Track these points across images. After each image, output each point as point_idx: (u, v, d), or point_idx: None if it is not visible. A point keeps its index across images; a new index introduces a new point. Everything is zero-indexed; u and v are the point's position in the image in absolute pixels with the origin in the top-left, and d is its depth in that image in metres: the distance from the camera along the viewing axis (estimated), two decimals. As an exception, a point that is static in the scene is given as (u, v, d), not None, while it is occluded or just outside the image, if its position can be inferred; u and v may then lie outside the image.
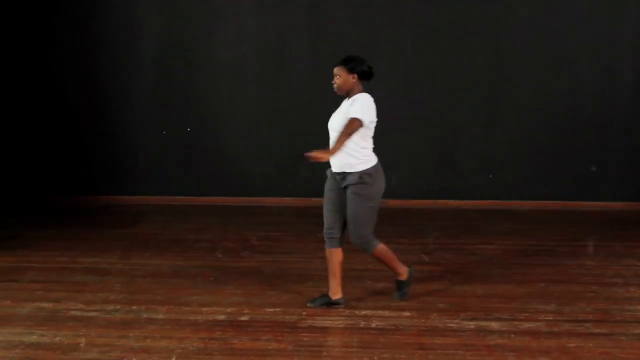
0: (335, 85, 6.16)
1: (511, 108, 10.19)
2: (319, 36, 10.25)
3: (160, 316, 6.07)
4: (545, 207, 10.09)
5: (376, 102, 10.18)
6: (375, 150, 10.19)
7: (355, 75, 6.15)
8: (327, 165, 6.24)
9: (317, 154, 5.78)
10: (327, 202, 6.20)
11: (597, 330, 5.76)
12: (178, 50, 10.39)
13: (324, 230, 6.20)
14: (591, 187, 10.13)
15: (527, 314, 6.08)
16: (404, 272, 6.35)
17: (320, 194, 10.21)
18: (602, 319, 6.01)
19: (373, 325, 5.87)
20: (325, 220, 6.19)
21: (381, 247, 6.22)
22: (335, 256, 6.20)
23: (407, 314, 6.11)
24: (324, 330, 5.77)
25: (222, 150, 10.27)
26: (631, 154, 10.12)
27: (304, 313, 6.11)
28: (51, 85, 10.49)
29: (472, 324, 5.87)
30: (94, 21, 10.38)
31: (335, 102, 10.10)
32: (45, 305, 6.32)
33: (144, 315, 6.08)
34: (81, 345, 5.50)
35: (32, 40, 10.44)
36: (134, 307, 6.28)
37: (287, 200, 10.30)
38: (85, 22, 10.39)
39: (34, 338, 5.61)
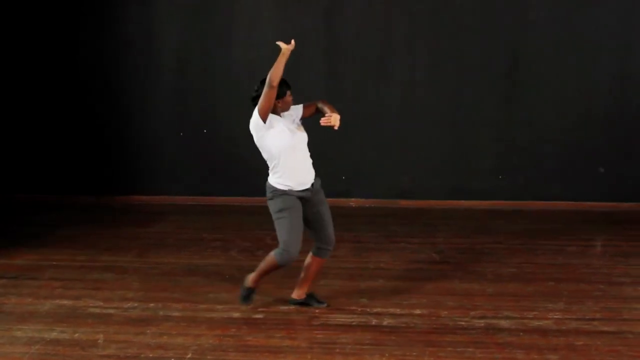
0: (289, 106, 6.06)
1: (523, 110, 10.21)
2: (335, 40, 10.32)
3: (176, 313, 6.18)
4: (554, 207, 10.12)
5: (391, 102, 10.35)
6: (390, 150, 10.36)
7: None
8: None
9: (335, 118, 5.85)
10: (297, 221, 5.98)
11: (605, 329, 5.83)
12: (196, 54, 10.47)
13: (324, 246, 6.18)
14: (599, 188, 10.15)
15: (536, 312, 6.16)
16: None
17: (335, 194, 10.43)
18: (609, 317, 6.08)
19: (385, 323, 5.97)
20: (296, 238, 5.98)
21: None
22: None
23: (418, 312, 6.20)
24: (337, 327, 5.87)
25: (237, 152, 10.34)
26: (639, 156, 10.14)
27: (317, 311, 6.21)
28: (74, 89, 10.58)
29: (481, 322, 5.95)
30: (114, 25, 10.46)
31: (351, 102, 10.29)
32: (65, 302, 6.46)
33: (161, 313, 6.20)
34: (99, 341, 5.62)
35: (56, 45, 10.55)
36: (151, 304, 6.40)
37: (301, 200, 10.38)
38: (106, 26, 10.47)
39: (54, 334, 5.74)
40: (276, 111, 5.95)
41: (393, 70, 10.36)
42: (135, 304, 6.41)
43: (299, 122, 6.08)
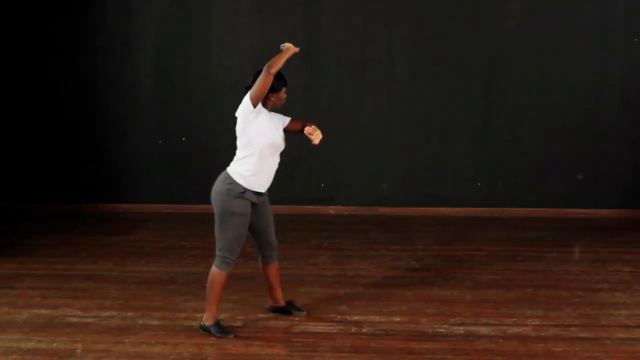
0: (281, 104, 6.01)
1: (501, 117, 10.27)
2: (313, 46, 10.32)
3: (155, 322, 6.16)
4: (533, 214, 10.17)
5: (369, 109, 10.41)
6: (368, 158, 10.39)
7: None
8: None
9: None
10: (245, 228, 5.89)
11: (583, 335, 5.88)
12: (175, 61, 10.43)
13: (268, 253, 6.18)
14: (578, 195, 10.22)
15: (514, 319, 6.20)
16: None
17: (314, 201, 10.46)
18: (587, 323, 6.13)
19: (364, 330, 5.98)
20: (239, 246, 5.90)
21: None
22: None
23: (398, 319, 6.21)
24: (316, 335, 5.88)
25: (217, 160, 10.28)
26: (616, 163, 10.21)
27: (296, 318, 6.22)
28: (52, 95, 10.51)
29: (461, 329, 5.98)
30: (92, 32, 10.42)
31: (330, 110, 10.31)
32: (43, 311, 6.42)
33: (140, 322, 6.18)
34: (78, 351, 5.60)
35: (34, 53, 10.48)
36: (130, 313, 6.37)
37: (281, 208, 10.36)
38: (85, 33, 10.44)
39: (31, 344, 5.71)
40: (267, 105, 5.89)
41: (371, 78, 10.39)
42: (114, 313, 6.38)
43: (282, 133, 5.98)
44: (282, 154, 6.01)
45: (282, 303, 6.32)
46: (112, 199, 10.63)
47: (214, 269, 5.85)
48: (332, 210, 10.44)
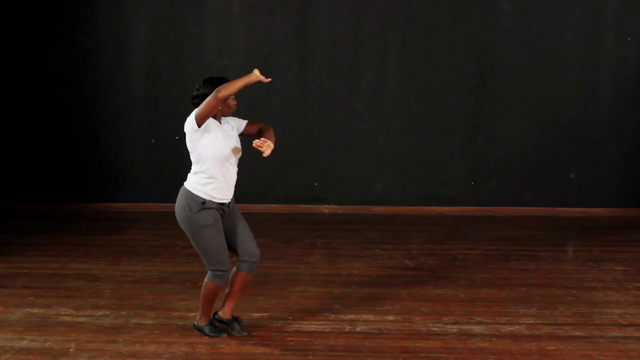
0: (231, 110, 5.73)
1: (495, 116, 10.30)
2: (306, 46, 10.33)
3: (148, 321, 6.15)
4: (526, 213, 10.21)
5: (362, 109, 10.41)
6: (362, 157, 10.40)
7: None
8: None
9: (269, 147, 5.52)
10: (221, 236, 5.66)
11: (577, 333, 5.89)
12: (167, 61, 10.44)
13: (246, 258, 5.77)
14: (571, 194, 10.26)
15: (508, 318, 6.21)
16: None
17: (306, 200, 10.46)
18: (581, 322, 6.15)
19: (358, 329, 5.98)
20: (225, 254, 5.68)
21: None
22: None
23: (391, 318, 6.21)
24: (310, 334, 5.87)
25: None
26: (609, 162, 10.25)
27: (290, 317, 6.21)
28: (45, 95, 10.49)
29: (454, 328, 5.98)
30: (84, 32, 10.40)
31: (323, 110, 10.30)
32: (36, 310, 6.40)
33: (133, 321, 6.17)
34: (71, 350, 5.58)
35: (26, 53, 10.45)
36: (123, 312, 6.36)
37: (273, 207, 10.39)
38: (76, 33, 10.42)
39: (24, 343, 5.69)
40: (216, 116, 5.63)
41: (365, 77, 10.40)
42: (107, 312, 6.37)
43: (238, 137, 5.74)
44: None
45: (228, 316, 5.93)
46: (106, 198, 10.61)
47: (207, 281, 5.69)
48: (326, 209, 10.44)
